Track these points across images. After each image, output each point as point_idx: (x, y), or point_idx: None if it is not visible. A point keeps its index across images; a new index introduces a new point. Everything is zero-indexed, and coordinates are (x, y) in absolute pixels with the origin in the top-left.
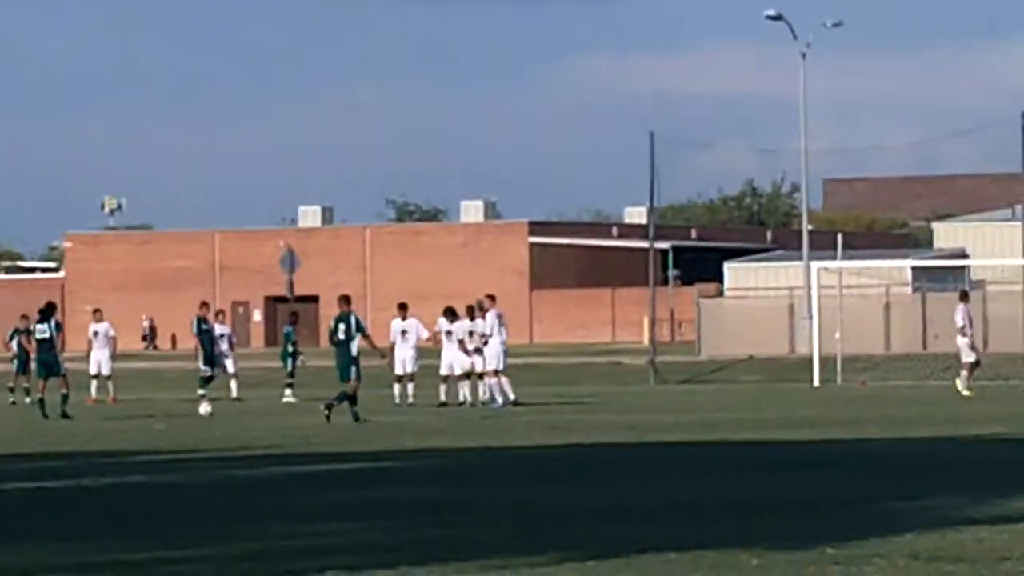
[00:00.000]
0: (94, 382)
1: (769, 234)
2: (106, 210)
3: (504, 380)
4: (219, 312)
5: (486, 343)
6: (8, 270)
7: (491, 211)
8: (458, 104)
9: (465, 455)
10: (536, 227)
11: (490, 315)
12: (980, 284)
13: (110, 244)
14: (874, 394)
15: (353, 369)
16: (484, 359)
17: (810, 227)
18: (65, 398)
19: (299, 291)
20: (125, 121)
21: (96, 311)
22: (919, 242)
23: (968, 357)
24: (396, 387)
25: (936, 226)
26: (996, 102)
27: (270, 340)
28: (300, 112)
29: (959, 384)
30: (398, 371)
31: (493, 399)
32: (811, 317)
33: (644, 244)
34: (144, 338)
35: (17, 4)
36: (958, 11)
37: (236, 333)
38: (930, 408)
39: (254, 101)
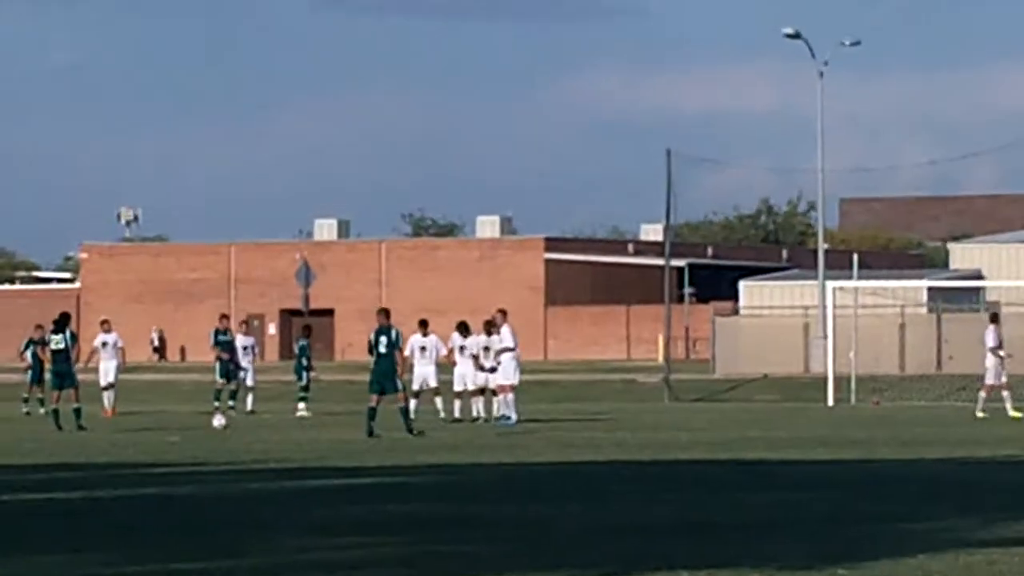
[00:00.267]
0: (106, 393)
1: (785, 253)
2: (122, 221)
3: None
4: (243, 322)
5: (499, 360)
6: (24, 280)
7: (507, 227)
8: (475, 119)
9: (479, 471)
10: (552, 243)
11: (506, 329)
12: (995, 305)
13: (126, 255)
14: (888, 414)
15: (396, 382)
16: (498, 374)
17: (826, 246)
18: (78, 411)
19: (314, 304)
20: (142, 132)
21: (104, 322)
22: (935, 262)
23: (992, 379)
24: (413, 403)
25: (952, 246)
26: (1013, 123)
27: (285, 353)
28: (317, 125)
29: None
30: (416, 387)
31: (507, 415)
32: (826, 336)
33: (660, 261)
34: (155, 350)
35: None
36: (976, 31)
37: None
38: (944, 429)
39: (271, 114)
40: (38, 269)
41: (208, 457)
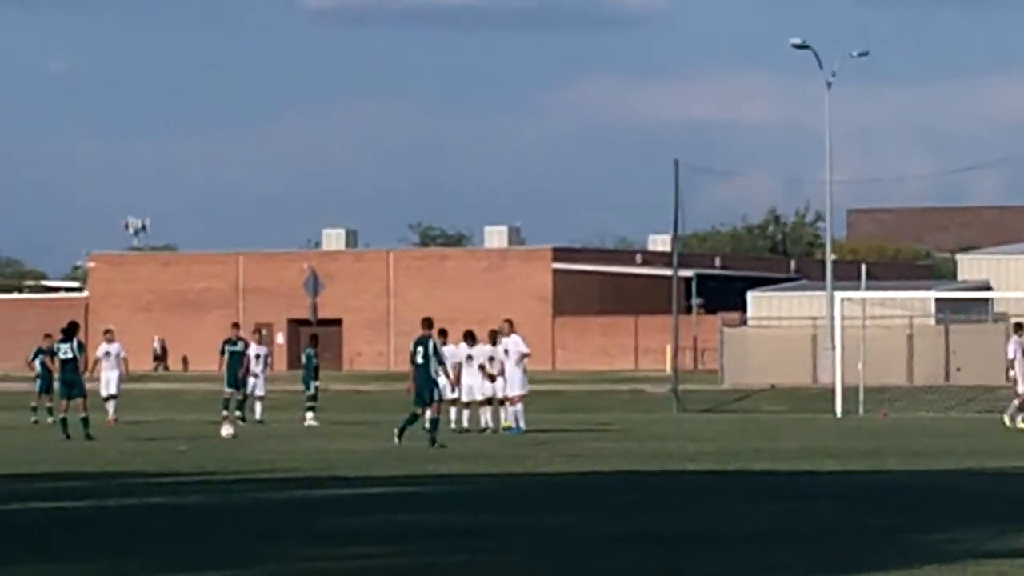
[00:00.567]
0: (109, 403)
1: (793, 263)
2: (130, 230)
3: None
4: (256, 331)
5: (502, 371)
6: (32, 289)
7: (515, 237)
8: (483, 129)
9: (488, 481)
10: (560, 253)
11: (515, 338)
12: (1003, 316)
13: (134, 264)
14: (896, 425)
15: (433, 391)
16: (506, 384)
17: (834, 257)
18: (86, 420)
19: (322, 314)
20: (150, 141)
21: (107, 331)
22: (943, 273)
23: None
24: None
25: (960, 257)
26: (1020, 134)
27: (293, 363)
28: (325, 136)
29: (1011, 417)
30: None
31: (515, 426)
32: (834, 347)
33: (668, 272)
34: (156, 359)
35: (41, 23)
36: (983, 42)
37: None
38: (952, 440)
39: (279, 124)
40: (46, 278)
41: (216, 467)
